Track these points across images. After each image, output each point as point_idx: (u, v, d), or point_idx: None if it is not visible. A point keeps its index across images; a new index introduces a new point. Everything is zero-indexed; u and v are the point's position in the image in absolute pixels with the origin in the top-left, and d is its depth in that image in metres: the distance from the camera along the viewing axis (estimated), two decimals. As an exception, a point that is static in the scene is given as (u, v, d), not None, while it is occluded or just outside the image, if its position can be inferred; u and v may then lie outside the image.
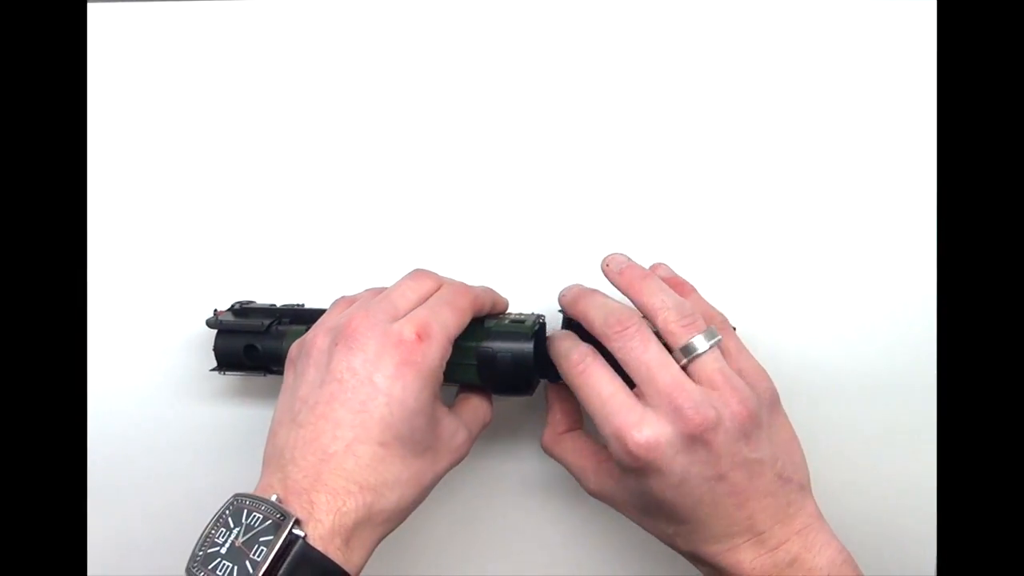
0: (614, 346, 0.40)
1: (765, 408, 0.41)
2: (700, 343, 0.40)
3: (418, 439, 0.39)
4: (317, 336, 0.41)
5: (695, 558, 0.42)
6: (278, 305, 0.51)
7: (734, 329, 0.45)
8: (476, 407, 0.46)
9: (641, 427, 0.38)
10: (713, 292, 0.52)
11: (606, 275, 0.44)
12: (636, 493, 0.41)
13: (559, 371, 0.43)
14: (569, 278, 0.51)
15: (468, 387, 0.47)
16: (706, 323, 0.42)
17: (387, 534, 0.39)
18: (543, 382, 0.48)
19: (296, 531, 0.35)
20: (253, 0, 0.50)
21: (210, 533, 0.36)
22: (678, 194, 0.52)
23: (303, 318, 0.47)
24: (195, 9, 0.50)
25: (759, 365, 0.43)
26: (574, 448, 0.46)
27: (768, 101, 0.51)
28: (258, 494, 0.37)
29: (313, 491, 0.36)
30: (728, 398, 0.39)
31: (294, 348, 0.43)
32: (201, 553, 0.36)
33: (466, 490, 0.54)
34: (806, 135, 0.51)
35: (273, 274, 0.52)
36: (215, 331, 0.49)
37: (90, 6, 0.49)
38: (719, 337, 0.41)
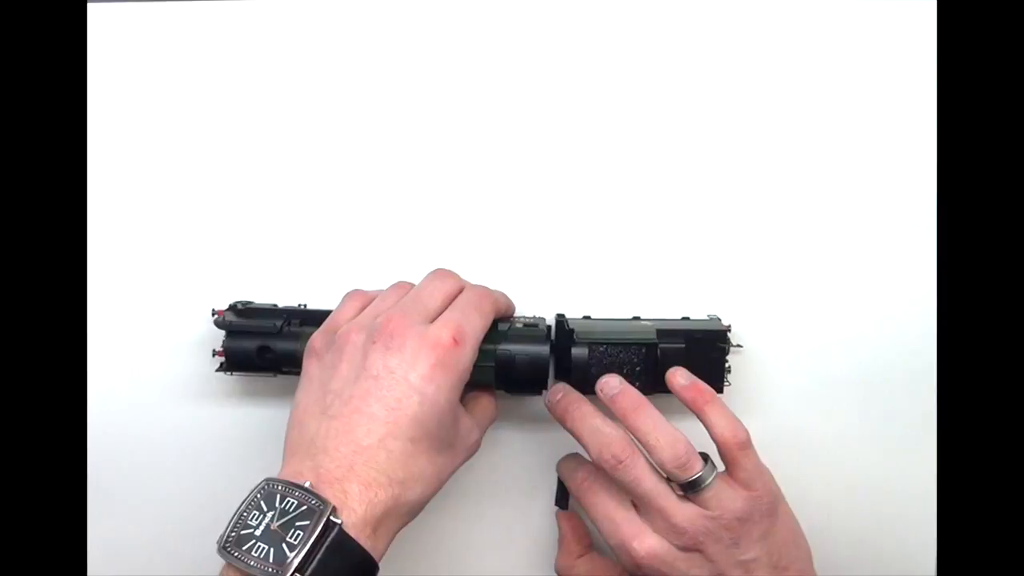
0: (615, 476, 0.43)
1: (762, 516, 0.43)
2: (696, 483, 0.42)
3: (443, 436, 0.41)
4: (351, 332, 0.42)
5: None
6: (279, 306, 0.51)
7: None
8: (485, 406, 0.47)
9: (642, 539, 0.43)
10: (715, 297, 0.52)
11: (600, 399, 0.45)
12: None
13: (568, 488, 0.47)
14: (571, 280, 0.52)
15: (476, 386, 0.47)
16: (726, 443, 0.43)
17: (405, 525, 0.40)
18: (554, 509, 0.52)
19: (333, 518, 0.36)
20: (253, 0, 0.50)
21: (242, 515, 0.37)
22: (678, 195, 0.52)
23: (314, 319, 0.48)
24: (195, 9, 0.50)
25: (767, 473, 0.44)
26: (588, 571, 0.49)
27: (768, 104, 0.51)
28: (290, 479, 0.37)
29: (346, 480, 0.37)
30: (720, 516, 0.42)
31: (318, 339, 0.44)
32: (234, 534, 0.36)
33: (471, 488, 0.54)
34: (807, 137, 0.51)
35: (272, 274, 0.52)
36: (224, 332, 0.49)
37: (90, 6, 0.49)
38: (716, 472, 0.43)
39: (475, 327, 0.42)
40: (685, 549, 0.42)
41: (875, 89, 0.50)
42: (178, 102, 0.51)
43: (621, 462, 0.43)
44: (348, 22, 0.51)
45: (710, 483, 0.42)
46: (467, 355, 0.41)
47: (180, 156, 0.52)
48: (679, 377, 0.46)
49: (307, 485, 0.37)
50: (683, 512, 0.42)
